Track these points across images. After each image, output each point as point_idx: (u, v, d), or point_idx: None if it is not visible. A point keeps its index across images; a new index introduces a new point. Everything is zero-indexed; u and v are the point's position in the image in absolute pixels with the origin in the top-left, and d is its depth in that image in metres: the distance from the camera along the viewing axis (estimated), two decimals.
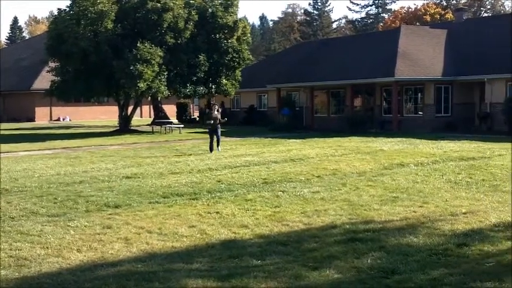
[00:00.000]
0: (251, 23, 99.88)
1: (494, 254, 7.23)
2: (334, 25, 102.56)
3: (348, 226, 8.85)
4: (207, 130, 22.80)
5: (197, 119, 52.31)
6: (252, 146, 24.38)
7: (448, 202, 10.64)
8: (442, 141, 23.95)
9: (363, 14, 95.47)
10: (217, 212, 10.07)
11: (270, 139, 27.98)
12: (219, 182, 13.66)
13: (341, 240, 8.09)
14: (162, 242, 8.21)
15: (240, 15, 49.29)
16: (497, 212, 9.66)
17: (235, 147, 23.62)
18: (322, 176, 14.26)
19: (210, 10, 37.28)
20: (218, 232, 8.68)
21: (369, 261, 7.05)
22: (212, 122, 21.94)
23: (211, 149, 21.54)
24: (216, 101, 50.07)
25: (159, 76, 33.31)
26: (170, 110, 50.52)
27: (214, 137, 21.78)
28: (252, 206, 10.56)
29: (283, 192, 12.06)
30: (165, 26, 33.92)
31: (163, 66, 33.54)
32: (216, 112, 22.50)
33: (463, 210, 9.80)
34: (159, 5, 33.69)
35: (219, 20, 36.97)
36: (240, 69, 40.15)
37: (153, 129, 37.36)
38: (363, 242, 7.87)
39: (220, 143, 22.18)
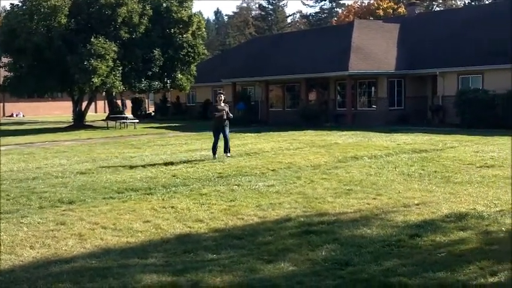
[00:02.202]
0: (206, 18, 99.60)
1: (446, 244, 7.36)
2: (289, 20, 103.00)
3: (302, 219, 8.90)
4: (211, 127, 17.94)
5: (153, 114, 51.92)
6: (207, 140, 24.20)
7: (401, 194, 10.80)
8: (395, 134, 24.33)
9: (317, 9, 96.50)
10: (172, 207, 10.01)
11: None
12: (174, 176, 13.57)
13: (296, 233, 8.12)
14: (117, 237, 8.11)
15: (194, 10, 49.11)
16: (449, 203, 9.86)
17: (191, 142, 23.53)
18: (277, 170, 14.31)
19: (164, 5, 36.98)
20: (173, 227, 8.62)
21: (323, 253, 7.10)
22: (217, 116, 17.07)
23: (214, 152, 17.01)
24: (171, 96, 49.82)
25: (114, 71, 32.91)
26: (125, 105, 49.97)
27: (221, 136, 17.16)
28: (207, 200, 10.53)
29: (238, 186, 12.06)
30: (119, 20, 33.50)
31: (117, 61, 33.15)
32: (222, 104, 17.30)
33: (416, 202, 9.96)
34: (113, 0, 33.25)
35: (173, 14, 36.71)
36: (195, 64, 39.98)
37: (107, 125, 36.87)
38: (317, 235, 7.93)
39: (229, 146, 17.34)
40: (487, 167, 14.03)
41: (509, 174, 12.68)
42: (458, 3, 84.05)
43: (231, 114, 17.46)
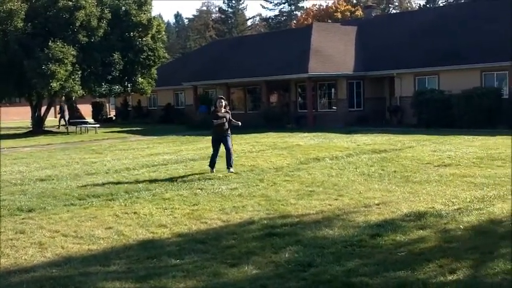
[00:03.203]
0: (166, 21, 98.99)
1: (406, 243, 7.49)
2: (249, 23, 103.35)
3: (265, 221, 8.94)
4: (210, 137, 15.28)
5: (114, 118, 51.42)
6: (170, 144, 24.21)
7: (362, 194, 10.95)
8: (355, 135, 24.61)
9: (277, 12, 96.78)
10: (134, 212, 9.94)
11: (188, 137, 27.89)
12: (136, 181, 13.47)
13: (259, 235, 8.17)
14: (78, 245, 8.03)
15: (154, 13, 48.79)
16: (408, 202, 10.03)
17: (153, 146, 23.38)
18: (240, 173, 14.34)
19: (123, 8, 36.68)
20: (136, 233, 8.57)
21: (286, 255, 7.15)
22: (217, 124, 14.47)
23: (212, 165, 14.52)
24: (132, 100, 49.40)
25: (73, 75, 32.45)
26: (86, 109, 49.32)
27: (222, 147, 14.59)
28: (170, 205, 10.49)
29: (201, 189, 12.06)
30: (77, 24, 33.06)
31: (76, 65, 32.70)
32: (223, 110, 14.67)
33: (376, 202, 10.11)
34: (70, 3, 32.78)
35: (132, 18, 36.43)
36: (156, 67, 39.73)
37: (67, 130, 36.36)
38: (280, 237, 7.98)
39: (232, 159, 14.64)
40: (445, 166, 14.33)
41: (466, 173, 12.97)
42: (414, 6, 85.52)
43: (237, 122, 15.02)
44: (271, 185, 12.35)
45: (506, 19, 31.32)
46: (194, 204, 10.51)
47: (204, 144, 22.82)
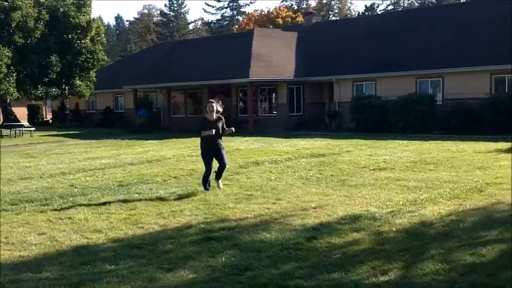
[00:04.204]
0: (106, 23, 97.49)
1: (341, 246, 7.62)
2: (191, 26, 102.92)
3: (203, 226, 8.93)
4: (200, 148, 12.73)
5: (50, 121, 50.32)
6: (108, 148, 23.86)
7: (300, 198, 11.07)
8: (294, 139, 24.87)
9: (219, 16, 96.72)
10: (69, 218, 9.74)
11: (127, 141, 27.54)
12: (72, 186, 13.23)
13: (196, 240, 8.14)
14: (9, 251, 7.80)
15: (94, 15, 48.01)
16: (344, 205, 10.20)
17: (91, 150, 22.99)
18: (179, 177, 14.28)
19: (61, 10, 36.07)
20: (70, 238, 8.40)
21: (223, 259, 7.16)
22: (206, 135, 12.05)
23: (205, 183, 12.11)
24: (70, 103, 48.41)
25: (8, 77, 31.62)
26: (21, 112, 48.02)
27: (214, 161, 12.25)
28: (107, 210, 10.33)
29: (139, 194, 11.93)
30: (13, 25, 32.28)
31: (12, 67, 31.87)
32: (215, 115, 12.25)
33: (313, 205, 10.23)
34: (6, 3, 32.00)
35: (71, 19, 35.85)
36: (95, 70, 39.22)
37: (1, 133, 35.32)
38: (217, 241, 7.98)
39: (223, 173, 12.55)
40: (380, 169, 14.65)
41: (400, 176, 13.30)
42: (354, 13, 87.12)
43: (230, 129, 12.55)
44: (210, 189, 12.33)
45: (441, 27, 32.33)
46: (131, 209, 10.39)
47: (143, 149, 22.61)
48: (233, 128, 12.81)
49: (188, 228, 8.84)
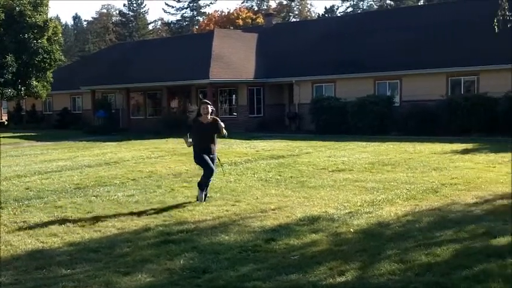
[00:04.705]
0: (64, 23, 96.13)
1: (299, 247, 7.65)
2: (150, 27, 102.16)
3: (161, 228, 8.86)
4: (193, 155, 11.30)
5: (6, 122, 49.32)
6: (65, 150, 23.50)
7: (259, 199, 11.09)
8: (254, 141, 24.92)
9: (178, 17, 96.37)
10: (24, 221, 9.56)
11: (85, 142, 27.18)
12: (27, 189, 12.98)
13: (154, 243, 8.08)
14: None
15: (51, 14, 47.26)
16: (303, 206, 10.26)
17: (47, 152, 22.61)
18: (138, 179, 14.15)
19: (17, 9, 35.38)
20: (24, 242, 8.23)
21: (181, 262, 7.12)
22: (200, 138, 10.93)
23: (203, 188, 10.86)
24: (26, 103, 47.51)
25: None
26: None
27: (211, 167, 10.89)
28: (63, 213, 10.18)
29: (96, 197, 11.78)
30: None
31: None
32: (209, 117, 10.92)
33: (272, 207, 10.26)
34: None
35: (27, 19, 35.23)
36: (52, 70, 38.58)
37: None
38: (176, 244, 7.93)
39: (209, 184, 11.23)
40: (339, 171, 14.78)
41: (358, 178, 13.45)
42: (313, 15, 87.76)
43: (225, 132, 11.05)
44: (169, 191, 12.27)
45: (399, 30, 32.81)
46: (88, 212, 10.26)
47: (101, 151, 22.33)
48: (225, 132, 11.12)
49: (146, 231, 8.76)
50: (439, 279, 6.14)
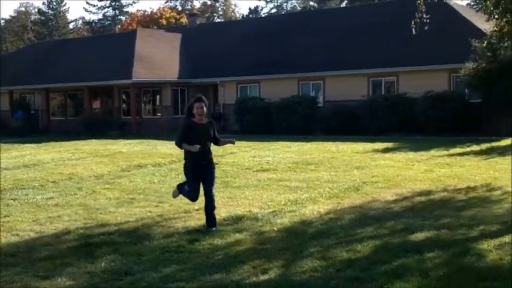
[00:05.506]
0: None
1: (223, 247, 7.65)
2: (71, 26, 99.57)
3: (82, 231, 8.65)
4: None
5: None
6: None
7: (183, 200, 10.84)
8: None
9: (100, 16, 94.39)
10: None
11: (2, 144, 26.16)
12: None
13: (75, 246, 7.88)
14: None
15: None
16: (227, 206, 10.27)
17: None
18: (58, 181, 13.76)
19: None
20: None
21: (103, 265, 6.98)
22: (199, 143, 8.47)
23: (211, 221, 8.64)
24: None
25: None
26: None
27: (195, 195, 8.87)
28: None
29: (14, 200, 11.38)
30: None
31: None
32: (205, 119, 8.75)
33: (196, 207, 10.18)
34: None
35: None
36: None
37: None
38: (97, 246, 7.77)
39: (213, 212, 8.76)
40: (263, 171, 14.88)
41: (282, 177, 13.59)
42: (238, 16, 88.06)
43: (231, 140, 9.44)
44: (90, 193, 12.01)
45: (323, 31, 33.38)
46: (5, 216, 9.88)
47: (19, 153, 21.58)
48: (234, 139, 9.55)
49: (66, 234, 8.53)
50: (359, 275, 6.28)
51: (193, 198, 8.93)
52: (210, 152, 8.83)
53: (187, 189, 8.99)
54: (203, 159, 8.67)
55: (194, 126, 8.63)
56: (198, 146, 8.39)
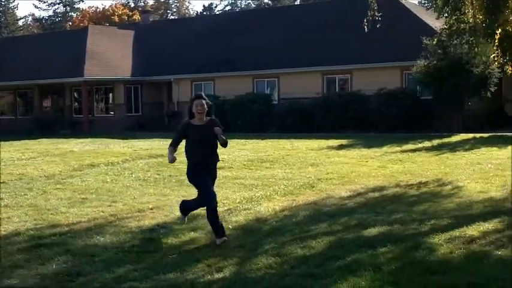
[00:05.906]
0: None
1: (178, 246, 7.59)
2: (20, 23, 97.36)
3: (32, 232, 8.44)
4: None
5: None
6: None
7: (136, 199, 10.88)
8: (132, 140, 24.47)
9: (51, 12, 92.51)
10: None
11: None
12: None
13: (25, 247, 7.68)
14: None
15: None
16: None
17: None
18: (7, 182, 13.41)
19: None
20: None
21: (54, 266, 6.83)
22: (199, 146, 7.92)
23: (220, 232, 7.64)
24: None
25: None
26: None
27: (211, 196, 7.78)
28: None
29: None
30: None
31: None
32: (205, 119, 7.92)
33: (150, 206, 10.10)
34: None
35: None
36: None
37: None
38: (48, 247, 7.60)
39: (196, 209, 8.34)
40: (218, 168, 14.72)
41: (238, 175, 13.56)
42: (192, 13, 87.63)
43: (224, 138, 7.80)
44: (41, 194, 11.74)
45: (277, 29, 33.49)
46: None
47: None
48: (225, 140, 7.89)
49: (16, 236, 8.31)
50: (313, 271, 6.30)
51: (208, 200, 7.68)
52: (211, 157, 7.90)
53: (196, 199, 8.05)
54: (201, 166, 7.81)
55: (191, 128, 7.90)
56: (172, 158, 8.04)
